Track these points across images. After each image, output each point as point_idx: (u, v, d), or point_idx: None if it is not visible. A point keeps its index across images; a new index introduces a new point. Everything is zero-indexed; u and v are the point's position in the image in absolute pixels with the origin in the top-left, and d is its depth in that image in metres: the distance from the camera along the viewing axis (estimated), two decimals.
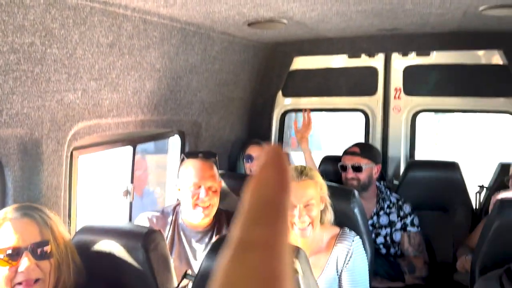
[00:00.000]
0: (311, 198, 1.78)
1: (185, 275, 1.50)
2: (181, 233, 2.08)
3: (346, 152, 2.71)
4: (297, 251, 1.32)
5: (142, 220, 2.06)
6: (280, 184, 0.30)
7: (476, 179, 2.97)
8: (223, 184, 2.31)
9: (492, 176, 2.84)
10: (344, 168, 2.66)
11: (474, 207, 2.83)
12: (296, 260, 1.29)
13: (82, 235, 1.51)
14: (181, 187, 1.99)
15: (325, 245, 1.84)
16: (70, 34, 1.48)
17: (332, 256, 1.81)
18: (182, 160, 2.05)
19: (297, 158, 3.22)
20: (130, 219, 2.31)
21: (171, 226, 2.08)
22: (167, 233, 2.07)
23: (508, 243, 1.84)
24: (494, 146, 6.24)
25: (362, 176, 2.61)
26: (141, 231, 1.49)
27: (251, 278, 0.27)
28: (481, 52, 2.93)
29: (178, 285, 1.50)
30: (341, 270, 1.79)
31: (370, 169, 2.63)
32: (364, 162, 2.62)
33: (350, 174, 2.62)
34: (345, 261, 1.78)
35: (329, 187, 2.41)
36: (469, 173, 3.42)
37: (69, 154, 1.69)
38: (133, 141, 2.27)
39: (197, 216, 1.97)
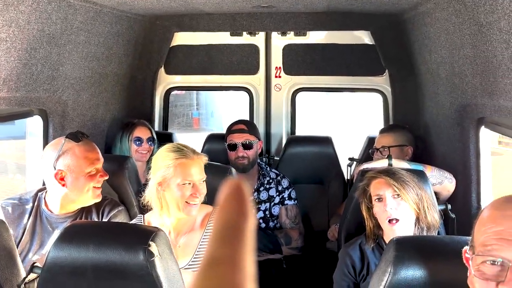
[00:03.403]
0: (204, 175, 1.77)
1: (32, 268, 1.36)
2: (45, 221, 1.92)
3: (233, 130, 2.68)
4: (155, 233, 1.26)
5: None
6: (242, 211, 0.36)
7: (349, 152, 3.17)
8: None
9: (361, 149, 3.06)
10: (234, 147, 2.63)
11: (346, 178, 3.03)
12: (153, 243, 1.24)
13: None
14: (69, 172, 1.83)
15: (199, 224, 1.82)
16: None
17: (206, 234, 1.79)
18: (60, 144, 1.86)
19: (199, 140, 3.14)
20: None
21: (31, 214, 1.91)
22: (25, 221, 1.90)
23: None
24: (365, 121, 6.82)
25: (252, 153, 2.63)
26: None
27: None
28: (352, 33, 3.09)
29: (25, 278, 1.36)
30: None
31: (257, 145, 2.66)
32: (252, 139, 2.63)
33: (241, 152, 2.61)
34: None
35: (206, 164, 2.39)
36: (344, 147, 3.66)
37: None
38: None
39: (93, 199, 1.91)
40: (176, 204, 1.73)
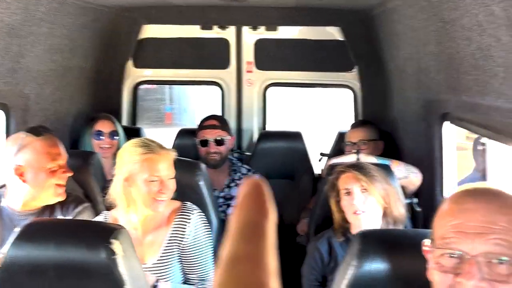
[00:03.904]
0: (172, 171, 1.73)
1: None
2: (5, 218, 1.85)
3: (205, 126, 2.63)
4: (117, 231, 1.23)
5: None
6: (262, 209, 0.36)
7: (321, 147, 3.20)
8: None
9: (332, 144, 3.08)
10: (205, 143, 2.59)
11: (317, 173, 3.05)
12: (116, 240, 1.20)
13: None
14: (29, 168, 1.76)
15: (165, 220, 1.78)
16: None
17: (172, 231, 1.76)
18: (20, 138, 1.79)
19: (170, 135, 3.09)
20: None
21: None
22: None
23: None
24: (335, 116, 6.90)
25: (224, 149, 2.60)
26: None
27: (241, 286, 0.33)
28: (323, 29, 3.11)
29: None
30: (182, 244, 1.76)
31: (229, 141, 2.63)
32: (224, 135, 2.61)
33: (213, 148, 2.57)
34: (184, 235, 1.75)
35: (174, 160, 2.36)
36: (315, 142, 3.69)
37: None
38: None
39: (56, 197, 1.83)
40: (142, 200, 1.69)
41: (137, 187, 1.68)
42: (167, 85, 10.41)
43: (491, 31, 1.29)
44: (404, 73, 2.32)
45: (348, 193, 1.74)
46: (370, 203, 1.71)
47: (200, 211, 1.82)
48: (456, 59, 1.62)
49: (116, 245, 1.19)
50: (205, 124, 2.65)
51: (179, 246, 1.76)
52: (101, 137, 2.55)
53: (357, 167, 1.79)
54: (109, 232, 1.22)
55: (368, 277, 1.18)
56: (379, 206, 1.72)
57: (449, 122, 1.99)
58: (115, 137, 2.57)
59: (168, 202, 1.79)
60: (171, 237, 1.76)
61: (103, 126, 2.56)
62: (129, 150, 1.73)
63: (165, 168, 1.71)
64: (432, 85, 1.95)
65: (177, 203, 1.82)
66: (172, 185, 1.73)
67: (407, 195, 2.18)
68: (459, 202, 0.90)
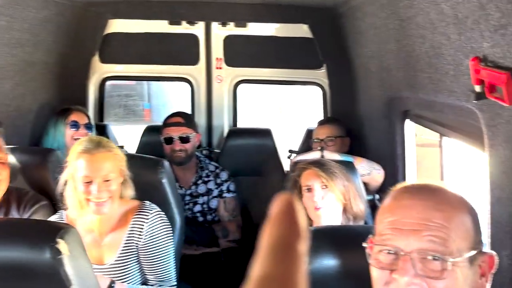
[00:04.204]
0: (109, 171, 1.65)
1: None
2: None
3: (169, 123, 2.60)
4: (64, 230, 1.20)
5: None
6: (294, 229, 0.34)
7: (290, 144, 3.20)
8: (15, 160, 2.03)
9: (301, 141, 3.09)
10: (170, 140, 2.56)
11: (285, 170, 3.05)
12: (61, 240, 1.17)
13: None
14: None
15: (123, 221, 1.75)
16: None
17: (129, 231, 1.73)
18: None
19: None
20: None
21: None
22: None
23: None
24: (304, 113, 6.93)
25: (189, 146, 2.57)
26: None
27: None
28: (292, 26, 3.11)
29: None
30: (140, 244, 1.73)
31: (194, 138, 2.61)
32: (190, 132, 2.58)
33: (178, 145, 2.54)
34: (142, 235, 1.72)
35: (136, 157, 2.32)
36: (285, 139, 3.70)
37: None
38: None
39: None
40: (83, 202, 1.64)
41: (77, 188, 1.65)
42: (145, 82, 10.27)
43: (441, 29, 1.31)
44: (368, 71, 2.34)
45: (309, 189, 1.75)
46: (330, 199, 1.72)
47: (159, 210, 1.79)
48: (413, 57, 1.63)
49: (62, 245, 1.16)
50: (169, 121, 2.61)
51: (137, 246, 1.73)
52: (76, 128, 2.49)
53: (318, 163, 1.80)
54: (55, 231, 1.18)
55: (318, 274, 1.18)
56: (338, 202, 1.74)
57: (408, 119, 2.01)
58: (89, 130, 2.53)
59: (123, 201, 1.76)
60: (128, 237, 1.73)
61: (78, 117, 2.51)
62: (72, 149, 1.69)
63: (98, 169, 1.63)
64: (394, 83, 1.97)
65: (136, 203, 1.78)
66: (113, 186, 1.66)
67: (370, 191, 2.21)
68: (397, 198, 0.91)
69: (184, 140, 2.55)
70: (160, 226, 1.75)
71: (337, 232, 1.25)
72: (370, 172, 2.18)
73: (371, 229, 1.25)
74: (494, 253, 0.89)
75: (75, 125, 2.48)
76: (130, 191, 1.78)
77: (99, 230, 1.72)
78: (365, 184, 2.18)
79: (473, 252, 0.85)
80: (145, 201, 1.79)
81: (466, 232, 0.86)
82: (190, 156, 2.58)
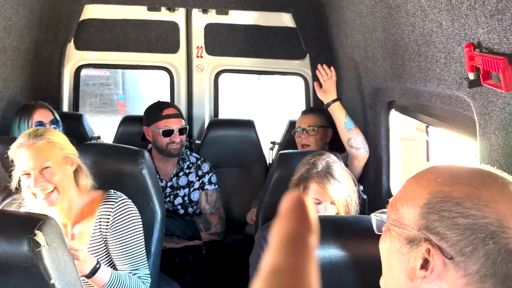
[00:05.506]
0: (45, 161, 1.56)
1: None
2: None
3: (169, 115, 2.46)
4: (42, 222, 1.13)
5: None
6: (305, 223, 0.36)
7: (271, 135, 3.17)
8: None
9: (283, 133, 3.06)
10: (170, 133, 2.44)
11: (268, 162, 3.02)
12: (39, 232, 1.11)
13: None
14: None
15: (89, 211, 1.68)
16: None
17: (97, 221, 1.67)
18: None
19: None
20: None
21: None
22: None
23: (286, 192, 1.97)
24: (287, 105, 6.90)
25: (184, 138, 2.52)
26: None
27: None
28: (275, 15, 3.06)
29: None
30: (108, 234, 1.67)
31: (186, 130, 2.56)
32: (184, 124, 2.53)
33: (178, 137, 2.45)
34: (108, 224, 1.66)
35: (115, 147, 2.24)
36: (266, 130, 3.66)
37: None
38: None
39: None
40: (32, 195, 1.57)
41: (22, 182, 1.59)
42: (119, 72, 10.03)
43: (433, 16, 1.29)
44: (353, 61, 2.31)
45: (318, 203, 1.69)
46: (331, 211, 1.69)
47: (125, 198, 1.71)
48: (401, 46, 1.61)
49: (40, 237, 1.10)
50: (167, 113, 2.50)
51: (105, 236, 1.67)
52: (43, 127, 2.37)
53: (330, 179, 1.66)
54: (33, 223, 1.12)
55: (324, 262, 1.16)
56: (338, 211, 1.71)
57: (393, 109, 2.00)
58: (55, 126, 2.41)
59: (88, 192, 1.70)
60: (95, 227, 1.67)
61: (43, 115, 2.39)
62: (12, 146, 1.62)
63: (35, 160, 1.55)
64: (379, 73, 1.96)
65: (97, 192, 1.72)
66: (57, 176, 1.58)
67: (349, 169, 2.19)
68: None
69: (183, 132, 2.49)
70: (128, 214, 1.69)
71: (327, 222, 1.23)
72: (360, 148, 2.18)
73: (361, 219, 1.23)
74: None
75: (42, 125, 2.36)
76: (87, 180, 1.70)
77: (61, 222, 1.65)
78: (348, 163, 2.19)
79: (416, 232, 0.76)
80: (110, 190, 1.72)
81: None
82: (182, 147, 2.53)
